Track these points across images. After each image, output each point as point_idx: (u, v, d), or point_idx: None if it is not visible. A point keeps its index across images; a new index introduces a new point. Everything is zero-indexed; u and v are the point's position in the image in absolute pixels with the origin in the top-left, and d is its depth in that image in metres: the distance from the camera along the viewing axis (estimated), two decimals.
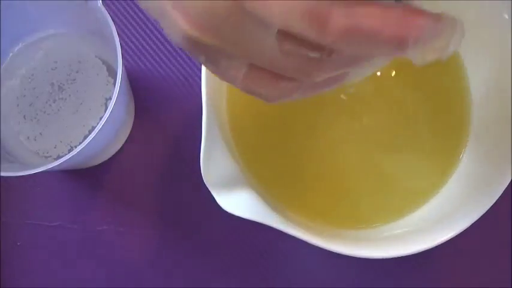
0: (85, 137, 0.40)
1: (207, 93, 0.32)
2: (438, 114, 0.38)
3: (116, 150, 0.42)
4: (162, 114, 0.42)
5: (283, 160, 0.38)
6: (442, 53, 0.19)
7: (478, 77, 0.37)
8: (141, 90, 0.43)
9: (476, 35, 0.36)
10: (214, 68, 0.22)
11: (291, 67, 0.20)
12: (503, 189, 0.32)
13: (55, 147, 0.41)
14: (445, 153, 0.37)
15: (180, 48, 0.43)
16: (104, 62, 0.42)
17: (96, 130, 0.33)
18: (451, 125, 0.38)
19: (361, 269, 0.40)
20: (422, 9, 0.18)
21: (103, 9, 0.34)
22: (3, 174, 0.33)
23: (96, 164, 0.42)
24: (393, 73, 0.38)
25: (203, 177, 0.31)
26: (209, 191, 0.31)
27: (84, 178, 0.42)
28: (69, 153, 0.33)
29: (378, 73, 0.38)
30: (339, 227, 0.36)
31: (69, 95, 0.41)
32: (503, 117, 0.35)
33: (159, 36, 0.43)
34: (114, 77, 0.41)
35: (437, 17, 0.18)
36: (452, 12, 0.19)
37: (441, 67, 0.38)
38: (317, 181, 0.37)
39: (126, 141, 0.42)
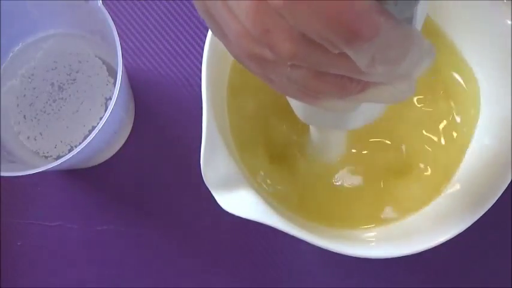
0: (85, 137, 0.40)
1: (207, 93, 0.32)
2: (441, 115, 0.38)
3: (116, 150, 0.42)
4: (162, 114, 0.42)
5: (283, 160, 0.38)
6: (393, 68, 0.18)
7: (481, 78, 0.37)
8: (141, 90, 0.43)
9: (479, 38, 0.36)
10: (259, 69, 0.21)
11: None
12: (503, 190, 0.32)
13: (55, 147, 0.41)
14: (447, 155, 0.37)
15: (180, 49, 0.43)
16: (104, 62, 0.42)
17: (96, 130, 0.33)
18: (455, 125, 0.38)
19: (361, 269, 0.40)
20: (394, 17, 0.17)
21: (103, 9, 0.34)
22: (3, 174, 0.33)
23: (96, 164, 0.42)
24: None
25: (203, 177, 0.31)
26: (209, 191, 0.31)
27: (84, 178, 0.42)
28: (69, 153, 0.33)
29: None
30: (339, 227, 0.36)
31: (69, 95, 0.41)
32: (505, 118, 0.35)
33: (159, 36, 0.43)
34: (114, 77, 0.41)
35: (405, 31, 0.17)
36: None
37: (444, 71, 0.38)
38: (317, 181, 0.37)
39: (126, 141, 0.42)
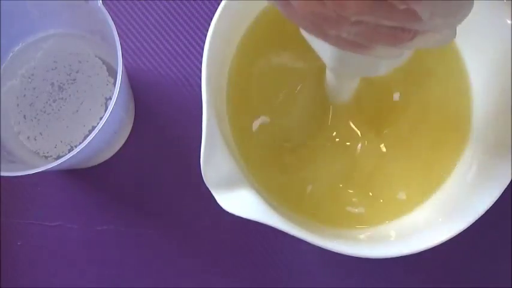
0: (85, 137, 0.40)
1: (207, 93, 0.32)
2: (440, 115, 0.38)
3: (116, 150, 0.42)
4: (162, 114, 0.42)
5: (284, 160, 0.38)
6: (449, 19, 0.21)
7: (480, 78, 0.37)
8: (141, 91, 0.43)
9: (479, 38, 0.36)
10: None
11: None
12: (503, 190, 0.32)
13: (55, 147, 0.41)
14: (445, 154, 0.37)
15: (180, 49, 0.43)
16: (104, 62, 0.42)
17: (96, 130, 0.33)
18: (452, 125, 0.38)
19: (361, 269, 0.40)
20: None
21: (103, 9, 0.34)
22: (3, 174, 0.33)
23: (96, 164, 0.42)
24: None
25: (203, 177, 0.31)
26: (209, 191, 0.31)
27: (84, 178, 0.42)
28: (69, 153, 0.33)
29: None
30: (339, 227, 0.36)
31: (69, 95, 0.41)
32: (503, 118, 0.35)
33: (159, 36, 0.43)
34: (114, 77, 0.41)
35: None
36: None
37: (443, 70, 0.38)
38: (317, 181, 0.37)
39: (126, 141, 0.42)
